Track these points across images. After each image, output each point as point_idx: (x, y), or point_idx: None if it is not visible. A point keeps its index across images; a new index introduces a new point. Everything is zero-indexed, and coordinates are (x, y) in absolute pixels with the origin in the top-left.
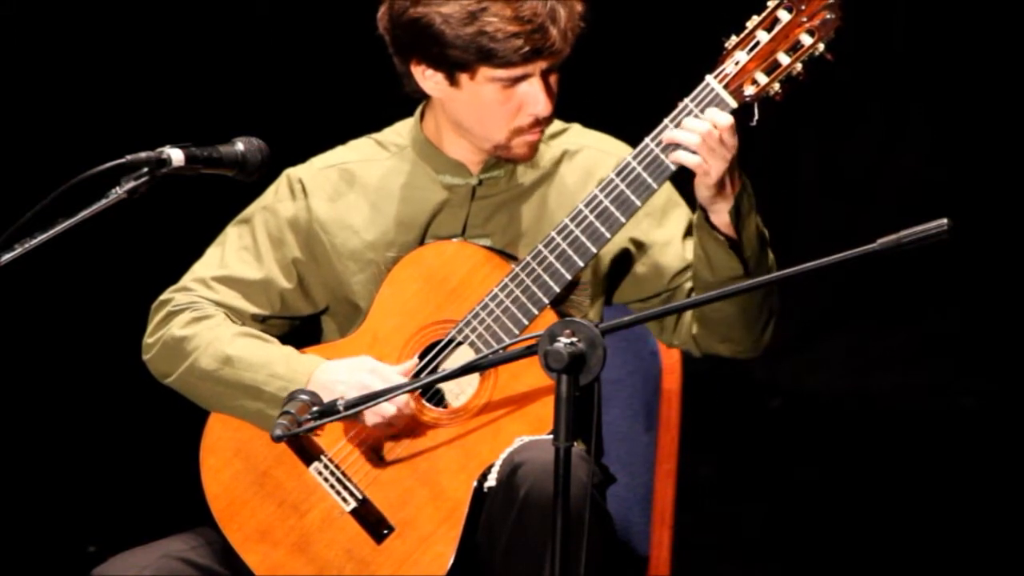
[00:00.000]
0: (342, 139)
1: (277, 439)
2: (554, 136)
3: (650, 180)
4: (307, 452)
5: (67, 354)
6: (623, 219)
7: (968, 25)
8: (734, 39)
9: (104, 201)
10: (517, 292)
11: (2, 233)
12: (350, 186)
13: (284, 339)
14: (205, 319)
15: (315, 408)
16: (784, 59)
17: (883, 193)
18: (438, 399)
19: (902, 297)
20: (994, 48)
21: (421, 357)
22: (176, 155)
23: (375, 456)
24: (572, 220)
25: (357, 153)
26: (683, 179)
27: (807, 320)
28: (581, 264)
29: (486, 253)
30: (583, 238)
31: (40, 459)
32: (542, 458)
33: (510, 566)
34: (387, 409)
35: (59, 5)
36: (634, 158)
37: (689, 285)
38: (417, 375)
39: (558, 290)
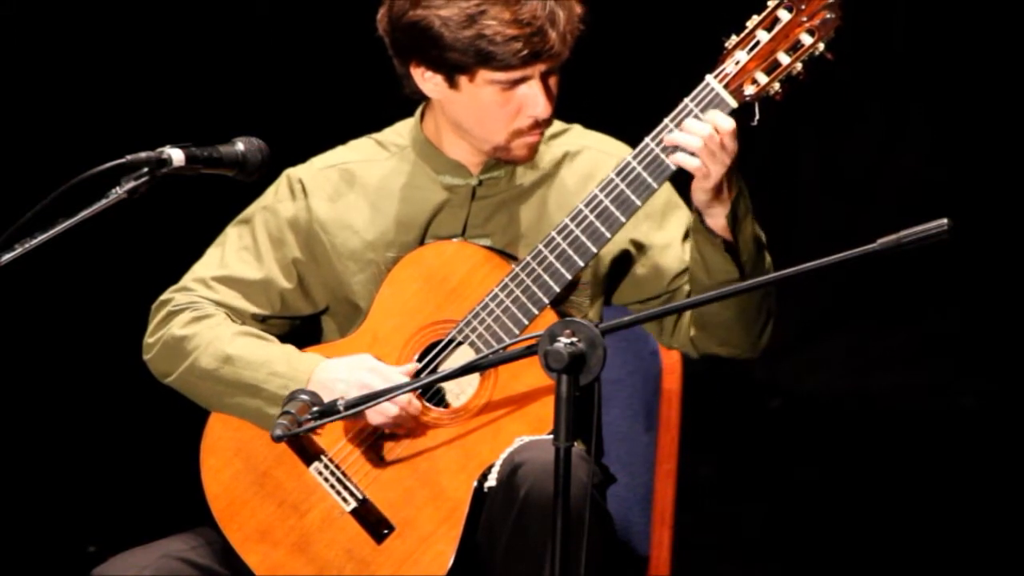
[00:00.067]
0: (342, 139)
1: (277, 439)
2: (555, 137)
3: (650, 180)
4: (307, 452)
5: (67, 354)
6: (623, 219)
7: (968, 25)
8: (734, 39)
9: (104, 201)
10: (517, 292)
11: (2, 233)
12: (350, 186)
13: (284, 339)
14: (205, 319)
15: (315, 408)
16: (784, 59)
17: (883, 193)
18: (438, 399)
19: (902, 297)
20: (994, 48)
21: (421, 357)
22: (176, 155)
23: (375, 456)
24: (572, 220)
25: (357, 153)
26: (683, 181)
27: (807, 320)
28: (581, 264)
29: (486, 253)
30: (583, 238)
31: (40, 459)
32: (542, 458)
33: (510, 566)
34: (389, 409)
35: (59, 5)
36: (634, 158)
37: (688, 288)
38: (417, 375)
39: (558, 290)
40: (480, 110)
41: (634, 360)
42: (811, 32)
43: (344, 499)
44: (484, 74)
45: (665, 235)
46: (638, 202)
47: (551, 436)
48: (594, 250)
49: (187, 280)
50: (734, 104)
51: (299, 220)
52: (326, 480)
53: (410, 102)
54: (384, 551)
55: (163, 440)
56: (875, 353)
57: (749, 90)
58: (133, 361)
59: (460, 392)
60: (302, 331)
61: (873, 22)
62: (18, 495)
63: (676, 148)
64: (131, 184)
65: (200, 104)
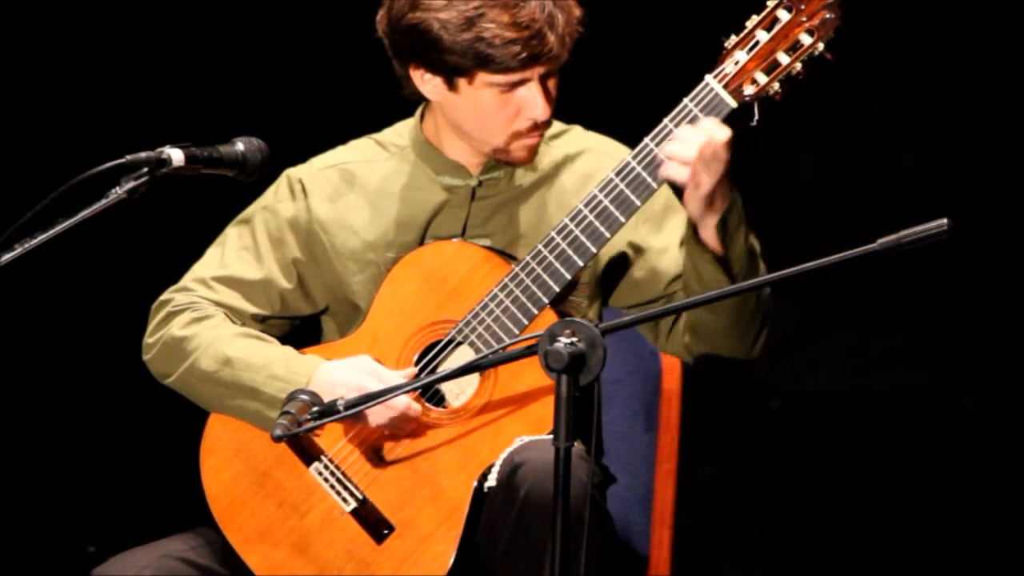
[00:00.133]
0: (342, 139)
1: (277, 439)
2: (555, 138)
3: (649, 180)
4: (307, 452)
5: (67, 354)
6: (623, 219)
7: (968, 25)
8: (734, 39)
9: (104, 201)
10: (517, 292)
11: (2, 233)
12: (350, 186)
13: (284, 339)
14: (205, 319)
15: (315, 408)
16: (784, 59)
17: (883, 193)
18: (438, 399)
19: (902, 297)
20: (994, 48)
21: (421, 357)
22: (176, 155)
23: (375, 456)
24: (572, 220)
25: (357, 153)
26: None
27: (807, 320)
28: (581, 264)
29: (486, 253)
30: (583, 238)
31: (40, 459)
32: (542, 458)
33: (510, 566)
34: (389, 412)
35: (59, 5)
36: (633, 158)
37: (683, 293)
38: (417, 375)
39: (558, 290)
40: (479, 112)
41: (634, 360)
42: (810, 32)
43: (344, 499)
44: (483, 77)
45: (663, 238)
46: (637, 202)
47: (551, 436)
48: (593, 250)
49: (187, 280)
50: (734, 104)
51: (299, 220)
52: (326, 480)
53: (410, 103)
54: (384, 551)
55: (163, 440)
56: (875, 353)
57: (749, 90)
58: (133, 361)
59: (460, 392)
60: (302, 331)
61: (873, 22)
62: (18, 495)
63: (670, 159)
64: (131, 184)
65: (200, 104)
